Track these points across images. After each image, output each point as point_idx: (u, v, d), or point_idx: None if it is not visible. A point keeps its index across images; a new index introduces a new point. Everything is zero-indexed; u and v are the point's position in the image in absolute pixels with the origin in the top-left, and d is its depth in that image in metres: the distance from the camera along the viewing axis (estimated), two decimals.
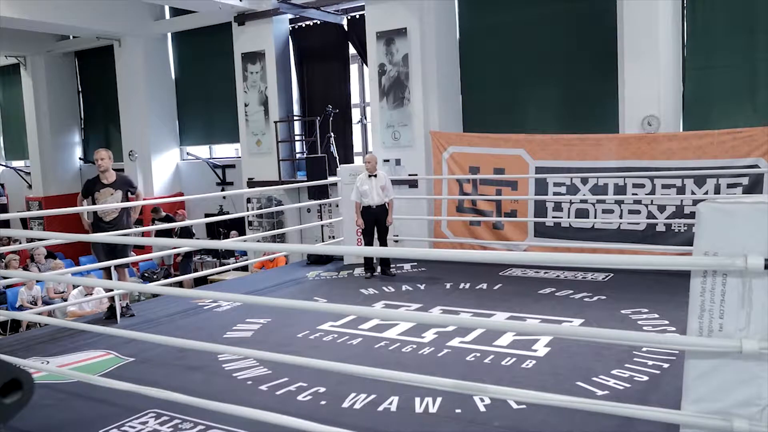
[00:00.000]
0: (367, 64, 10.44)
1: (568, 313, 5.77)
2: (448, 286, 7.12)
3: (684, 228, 7.54)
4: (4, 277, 7.86)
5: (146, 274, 11.96)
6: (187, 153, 13.93)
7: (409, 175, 9.74)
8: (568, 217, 8.28)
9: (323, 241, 10.71)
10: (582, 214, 8.19)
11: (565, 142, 8.31)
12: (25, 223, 15.54)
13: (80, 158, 15.94)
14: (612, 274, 7.21)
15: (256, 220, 11.99)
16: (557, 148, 8.32)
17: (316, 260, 8.75)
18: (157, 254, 10.87)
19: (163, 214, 11.96)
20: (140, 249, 11.70)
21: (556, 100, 9.58)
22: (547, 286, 6.86)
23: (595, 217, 8.11)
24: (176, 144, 14.04)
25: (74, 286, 8.84)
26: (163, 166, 13.79)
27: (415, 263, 8.32)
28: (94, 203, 6.34)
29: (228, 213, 11.40)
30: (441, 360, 4.73)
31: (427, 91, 9.65)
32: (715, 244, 2.44)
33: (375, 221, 7.75)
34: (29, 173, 16.07)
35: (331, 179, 9.70)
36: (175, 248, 9.71)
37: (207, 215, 12.01)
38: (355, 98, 11.73)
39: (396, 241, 8.98)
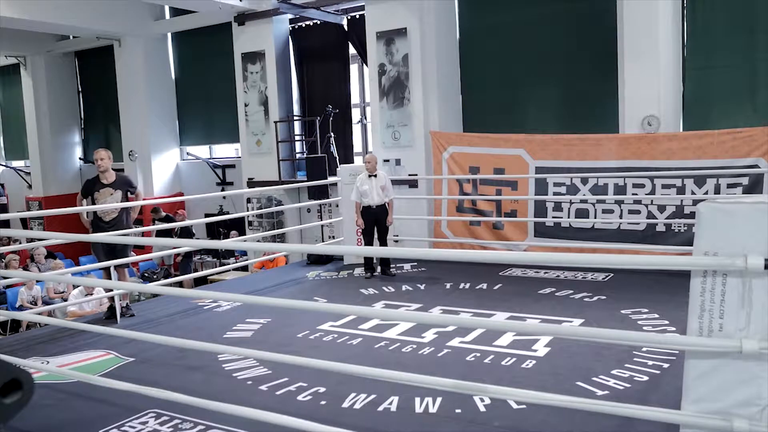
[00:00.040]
0: (367, 64, 10.44)
1: (568, 313, 5.77)
2: (448, 286, 7.12)
3: (684, 228, 7.54)
4: (4, 277, 7.86)
5: (146, 274, 11.96)
6: (187, 153, 13.93)
7: (409, 175, 9.74)
8: (568, 217, 8.28)
9: (323, 241, 10.71)
10: (582, 214, 8.19)
11: (565, 142, 8.30)
12: (25, 223, 15.54)
13: (80, 158, 15.95)
14: (612, 274, 7.21)
15: (256, 220, 11.99)
16: (557, 148, 8.32)
17: (316, 260, 8.75)
18: (157, 254, 10.86)
19: (163, 214, 11.96)
20: (140, 249, 11.69)
21: (556, 100, 9.58)
22: (547, 286, 6.86)
23: (595, 217, 8.11)
24: (176, 144, 14.04)
25: (74, 286, 8.85)
26: (163, 166, 13.79)
27: (415, 263, 8.32)
28: (93, 203, 6.34)
29: (228, 213, 11.40)
30: (441, 360, 4.73)
31: (427, 91, 9.65)
32: (715, 244, 2.44)
33: (375, 221, 7.75)
34: (29, 173, 16.07)
35: (331, 179, 9.71)
36: (175, 248, 9.72)
37: (207, 215, 12.01)
38: (355, 98, 11.73)
39: (396, 241, 8.98)
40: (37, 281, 10.06)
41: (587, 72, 9.18)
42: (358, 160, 11.34)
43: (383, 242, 7.84)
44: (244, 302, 5.46)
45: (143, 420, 3.84)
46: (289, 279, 8.03)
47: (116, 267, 6.36)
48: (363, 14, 10.31)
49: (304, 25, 11.76)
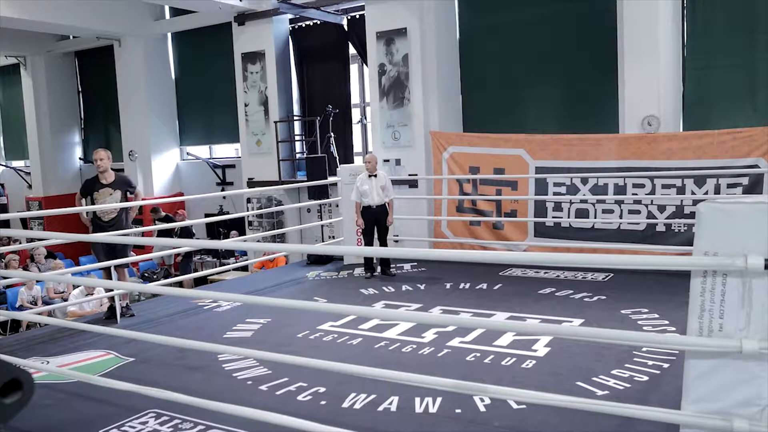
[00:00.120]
0: (367, 64, 10.44)
1: (568, 313, 5.77)
2: (448, 286, 7.11)
3: (684, 228, 7.54)
4: (4, 277, 7.86)
5: (146, 274, 11.96)
6: (187, 153, 13.93)
7: (409, 175, 9.74)
8: (568, 217, 8.28)
9: (323, 241, 10.71)
10: (582, 214, 8.19)
11: (565, 142, 8.30)
12: (25, 223, 15.54)
13: (80, 158, 15.95)
14: (612, 274, 7.21)
15: (256, 220, 11.99)
16: (557, 148, 8.32)
17: (316, 260, 8.75)
18: (157, 254, 10.87)
19: (163, 214, 11.96)
20: (140, 249, 11.70)
21: (556, 100, 9.58)
22: (547, 286, 6.86)
23: (595, 217, 8.11)
24: (176, 144, 14.04)
25: (74, 286, 8.85)
26: (163, 166, 13.79)
27: (415, 263, 8.32)
28: (93, 203, 6.34)
29: (228, 213, 11.40)
30: (441, 360, 4.73)
31: (427, 91, 9.65)
32: (715, 244, 2.44)
33: (375, 221, 7.75)
34: (29, 173, 16.07)
35: (331, 179, 9.70)
36: (175, 248, 9.72)
37: (207, 215, 12.02)
38: (355, 98, 11.73)
39: (396, 241, 8.98)
40: (37, 281, 10.06)
41: (587, 72, 9.18)
42: (358, 160, 11.34)
43: (383, 242, 7.84)
44: (244, 302, 5.46)
45: (143, 420, 3.84)
46: (289, 279, 8.03)
47: (116, 267, 6.37)
48: (363, 14, 10.32)
49: (304, 25, 11.76)
